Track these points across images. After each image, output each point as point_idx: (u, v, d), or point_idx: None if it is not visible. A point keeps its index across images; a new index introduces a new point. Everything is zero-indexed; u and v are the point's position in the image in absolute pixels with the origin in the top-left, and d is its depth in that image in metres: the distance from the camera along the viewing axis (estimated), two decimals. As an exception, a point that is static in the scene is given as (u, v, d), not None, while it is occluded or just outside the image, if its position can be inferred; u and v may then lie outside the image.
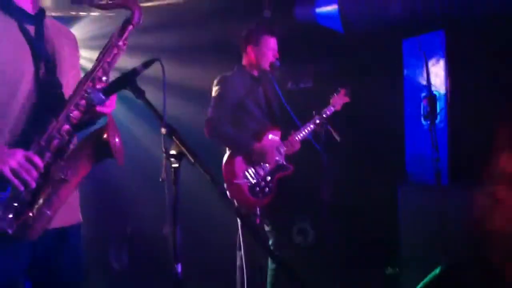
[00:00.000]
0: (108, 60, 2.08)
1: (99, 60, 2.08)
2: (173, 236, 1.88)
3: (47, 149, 1.98)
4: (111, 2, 2.08)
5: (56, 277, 2.17)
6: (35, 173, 1.93)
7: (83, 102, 2.03)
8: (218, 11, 5.03)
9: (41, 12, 2.18)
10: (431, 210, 3.87)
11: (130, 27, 2.10)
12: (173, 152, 1.89)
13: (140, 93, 1.94)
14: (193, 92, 4.50)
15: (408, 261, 4.05)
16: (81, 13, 4.82)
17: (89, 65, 2.24)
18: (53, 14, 4.17)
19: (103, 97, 1.97)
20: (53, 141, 1.99)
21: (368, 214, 4.61)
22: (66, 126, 2.01)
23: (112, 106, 2.11)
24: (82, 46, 2.46)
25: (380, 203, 4.53)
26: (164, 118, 1.89)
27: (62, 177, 1.97)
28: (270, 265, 3.84)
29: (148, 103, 1.93)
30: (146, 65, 1.96)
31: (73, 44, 2.35)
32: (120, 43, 2.09)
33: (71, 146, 2.03)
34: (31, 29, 2.12)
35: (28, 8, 2.13)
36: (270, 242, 3.88)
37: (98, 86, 2.03)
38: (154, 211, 4.68)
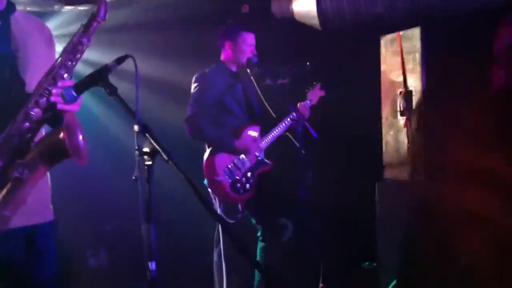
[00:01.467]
0: (71, 57, 2.04)
1: (61, 57, 2.04)
2: (147, 234, 1.87)
3: (6, 148, 1.96)
4: None
5: (27, 276, 2.14)
6: None
7: (43, 99, 1.99)
8: (197, 7, 5.00)
9: (9, 7, 2.14)
10: (407, 206, 3.91)
11: (95, 23, 2.07)
12: (146, 149, 1.88)
13: (112, 90, 1.92)
14: (173, 88, 4.47)
15: (384, 256, 4.09)
16: (56, 7, 4.76)
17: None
18: (28, 8, 4.10)
19: (74, 94, 1.95)
20: (12, 140, 1.97)
21: (346, 210, 4.64)
22: (26, 125, 1.98)
23: (74, 105, 2.05)
24: (58, 41, 2.40)
25: (358, 199, 4.55)
26: (137, 116, 1.87)
27: (18, 176, 1.94)
28: (257, 275, 3.85)
29: (120, 100, 1.91)
30: (119, 61, 1.95)
31: (48, 39, 2.31)
32: (85, 39, 2.06)
33: (32, 145, 2.00)
34: None
35: None
36: (258, 234, 3.91)
37: (59, 84, 1.99)
38: (132, 209, 4.65)
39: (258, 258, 3.92)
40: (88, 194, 4.87)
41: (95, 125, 4.55)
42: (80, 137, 2.03)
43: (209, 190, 3.74)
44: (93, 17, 2.06)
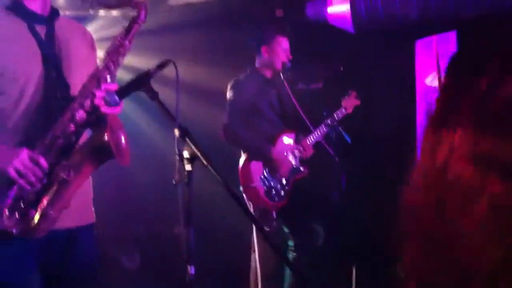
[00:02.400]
0: (114, 59, 2.07)
1: (104, 60, 2.08)
2: (186, 237, 1.89)
3: (52, 149, 1.99)
4: (118, 1, 2.09)
5: (68, 275, 2.20)
6: (39, 173, 1.94)
7: (88, 102, 2.02)
8: (231, 11, 5.02)
9: (53, 13, 2.20)
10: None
11: (136, 26, 2.10)
12: (186, 154, 1.89)
13: (154, 95, 1.95)
14: (208, 93, 4.49)
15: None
16: (92, 12, 4.85)
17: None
18: (67, 13, 4.17)
19: (117, 99, 1.98)
20: (58, 141, 2.00)
21: (379, 216, 4.58)
22: (71, 126, 2.01)
23: (117, 107, 2.08)
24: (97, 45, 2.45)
25: (392, 205, 4.50)
26: (177, 120, 1.89)
27: (65, 177, 1.98)
28: (287, 278, 3.83)
29: (161, 104, 1.94)
30: (160, 66, 1.97)
31: (90, 43, 2.37)
32: (126, 42, 2.09)
33: (76, 147, 2.04)
34: (41, 30, 2.14)
35: (40, 9, 2.14)
36: (291, 244, 3.89)
37: (103, 86, 2.03)
38: (167, 212, 4.69)
39: (289, 271, 3.89)
40: (123, 197, 4.93)
41: (131, 129, 4.61)
42: (123, 138, 2.06)
43: (244, 196, 3.74)
44: (133, 20, 2.09)
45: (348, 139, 3.83)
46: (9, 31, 2.08)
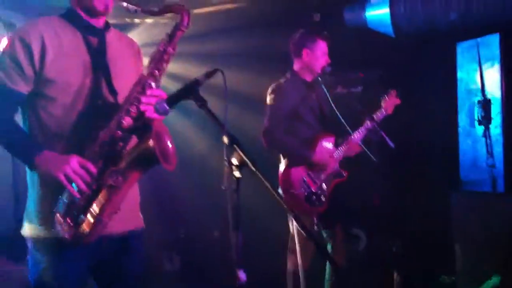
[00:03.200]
0: (158, 66, 2.11)
1: (149, 67, 2.12)
2: (235, 242, 1.92)
3: (100, 156, 2.04)
4: (161, 8, 2.12)
5: (119, 279, 2.26)
6: (88, 179, 1.99)
7: (134, 108, 2.06)
8: (268, 16, 5.05)
9: (106, 26, 2.28)
10: (487, 218, 3.79)
11: (180, 32, 2.13)
12: (234, 161, 1.92)
13: (202, 103, 1.99)
14: (246, 97, 4.53)
15: (464, 270, 3.96)
16: (136, 20, 4.96)
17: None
18: (110, 21, 4.27)
19: (167, 107, 2.02)
20: (106, 148, 2.04)
21: (421, 222, 4.54)
22: (118, 133, 2.06)
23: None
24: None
25: (434, 209, 4.45)
26: (225, 128, 1.93)
27: (113, 183, 2.01)
28: (327, 275, 3.84)
29: (210, 112, 1.97)
30: (208, 75, 2.01)
31: (137, 54, 2.43)
32: (170, 49, 2.12)
33: (124, 153, 2.06)
34: (94, 40, 2.21)
35: (96, 22, 2.23)
36: (329, 248, 3.89)
37: (148, 92, 2.06)
38: (208, 216, 4.77)
39: (327, 276, 3.89)
40: (164, 201, 5.01)
41: (174, 135, 4.69)
42: (169, 143, 2.09)
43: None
44: (177, 26, 2.13)
45: (391, 144, 3.79)
46: (63, 40, 2.15)
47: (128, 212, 2.19)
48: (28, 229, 2.16)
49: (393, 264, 4.05)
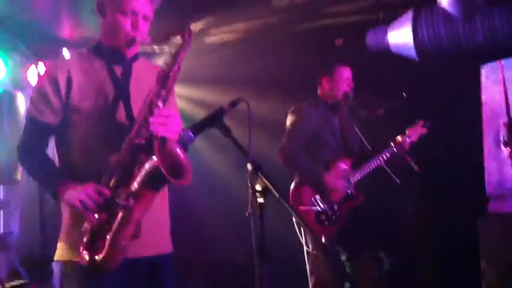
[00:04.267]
0: (164, 86, 2.14)
1: (155, 88, 2.14)
2: (259, 270, 1.94)
3: (114, 179, 2.08)
4: (165, 34, 2.18)
5: None
6: (101, 201, 2.03)
7: (143, 130, 2.09)
8: (291, 42, 5.11)
9: (136, 56, 2.36)
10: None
11: (183, 51, 2.16)
12: (258, 187, 1.96)
13: (227, 131, 2.03)
14: (270, 123, 4.56)
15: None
16: (157, 49, 5.07)
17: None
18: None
19: (192, 135, 2.07)
20: (119, 170, 2.08)
21: (446, 243, 4.49)
22: (130, 155, 2.08)
23: (170, 131, 2.08)
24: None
25: (459, 232, 4.40)
26: (250, 155, 1.97)
27: (125, 205, 2.03)
28: None
29: (234, 141, 2.02)
30: (233, 104, 2.06)
31: None
32: (175, 68, 2.16)
33: (135, 173, 2.07)
34: (119, 71, 2.30)
35: (126, 51, 2.29)
36: (347, 271, 3.87)
37: (155, 112, 2.07)
38: (232, 240, 4.79)
39: None
40: (190, 225, 5.06)
41: (197, 161, 4.75)
42: (180, 156, 2.05)
43: (293, 218, 3.68)
44: (179, 46, 2.17)
45: (416, 167, 3.78)
46: (89, 71, 2.25)
47: (158, 236, 2.24)
48: (57, 253, 2.23)
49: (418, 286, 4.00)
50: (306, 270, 3.87)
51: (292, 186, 3.85)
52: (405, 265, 4.24)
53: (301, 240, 3.74)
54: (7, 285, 4.60)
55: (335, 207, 3.78)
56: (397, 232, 4.03)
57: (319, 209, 3.72)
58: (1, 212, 5.22)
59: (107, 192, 2.05)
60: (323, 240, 3.71)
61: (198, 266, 5.27)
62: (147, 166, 2.03)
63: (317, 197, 3.76)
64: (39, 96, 2.23)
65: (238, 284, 4.60)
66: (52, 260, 2.28)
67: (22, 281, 4.71)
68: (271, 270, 2.04)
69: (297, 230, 3.76)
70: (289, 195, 3.81)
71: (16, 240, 5.26)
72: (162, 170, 1.96)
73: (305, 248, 3.77)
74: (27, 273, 4.82)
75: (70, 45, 5.17)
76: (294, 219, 3.68)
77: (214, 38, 5.33)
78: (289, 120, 3.93)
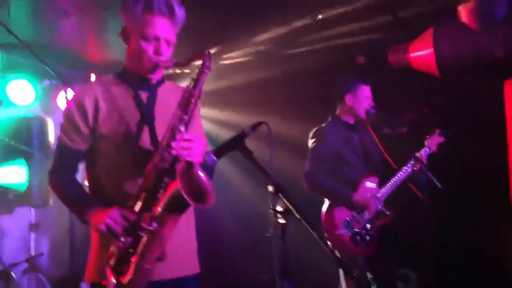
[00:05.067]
0: (185, 110, 2.17)
1: (177, 112, 2.18)
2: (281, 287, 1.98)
3: (138, 202, 2.12)
4: (186, 58, 2.22)
5: None
6: (126, 225, 2.08)
7: (166, 154, 2.12)
8: (312, 60, 5.16)
9: (160, 81, 2.42)
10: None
11: (203, 75, 2.20)
12: (280, 208, 2.00)
13: (248, 154, 2.08)
14: (291, 144, 4.60)
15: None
16: (183, 70, 5.18)
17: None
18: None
19: (215, 158, 2.13)
20: (144, 195, 2.12)
21: (475, 258, 4.44)
22: (155, 179, 2.12)
23: (194, 155, 2.11)
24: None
25: (487, 248, 4.36)
26: (271, 177, 2.01)
27: (148, 228, 2.06)
28: None
29: (256, 163, 2.06)
30: (254, 128, 2.11)
31: None
32: (196, 92, 2.19)
33: (159, 198, 2.10)
34: (144, 96, 2.35)
35: (152, 76, 2.34)
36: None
37: (178, 137, 2.10)
38: (257, 260, 4.82)
39: None
40: (214, 245, 5.10)
41: (222, 182, 4.81)
42: (200, 182, 2.07)
43: (329, 243, 3.72)
44: (200, 70, 2.21)
45: (438, 184, 3.77)
46: (116, 97, 2.32)
47: (183, 257, 2.28)
48: (86, 275, 2.30)
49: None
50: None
51: (324, 209, 3.87)
52: (434, 283, 4.20)
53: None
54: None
55: (368, 226, 3.78)
56: (424, 250, 3.99)
57: (354, 230, 3.73)
58: (33, 234, 5.35)
59: (132, 216, 2.10)
60: (359, 260, 3.72)
61: (221, 287, 5.29)
62: (170, 191, 2.07)
63: (350, 219, 3.77)
64: (68, 123, 2.31)
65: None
66: (81, 281, 2.35)
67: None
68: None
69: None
70: (311, 215, 3.81)
71: (46, 262, 5.38)
72: (183, 194, 1.98)
73: (340, 270, 3.77)
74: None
75: (98, 70, 5.32)
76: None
77: (231, 60, 5.41)
78: (310, 143, 3.96)
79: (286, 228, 1.99)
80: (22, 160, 4.97)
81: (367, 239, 3.77)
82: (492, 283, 4.30)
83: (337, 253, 3.72)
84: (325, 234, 3.78)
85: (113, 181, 2.25)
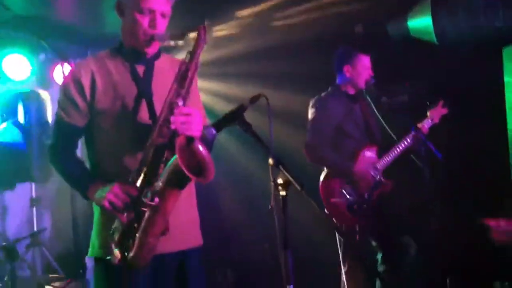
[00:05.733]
0: (182, 84, 2.16)
1: (173, 87, 2.17)
2: (284, 259, 2.00)
3: (139, 178, 2.13)
4: (183, 31, 2.20)
5: None
6: (128, 200, 2.09)
7: (165, 129, 2.12)
8: (310, 30, 5.11)
9: (158, 54, 2.40)
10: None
11: (199, 49, 2.18)
12: (280, 181, 2.01)
13: (247, 128, 2.08)
14: (290, 115, 4.59)
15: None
16: (180, 43, 5.12)
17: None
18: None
19: (214, 131, 2.13)
20: (144, 170, 2.12)
21: (473, 228, 4.47)
22: (154, 154, 2.12)
23: (192, 129, 2.10)
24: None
25: (487, 217, 4.38)
26: (271, 150, 2.02)
27: (149, 203, 2.07)
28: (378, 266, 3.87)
29: (255, 136, 2.07)
30: (253, 100, 2.11)
31: None
32: (192, 65, 2.18)
33: (159, 173, 2.11)
34: (141, 70, 2.34)
35: (148, 50, 2.33)
36: (378, 257, 3.90)
37: (176, 111, 2.10)
38: (258, 231, 4.86)
39: (379, 284, 3.90)
40: (215, 218, 5.14)
41: (222, 157, 4.81)
42: (200, 156, 2.06)
43: (326, 211, 3.76)
44: (196, 43, 2.18)
45: (438, 154, 3.77)
46: (112, 72, 2.31)
47: (185, 231, 2.30)
48: (90, 250, 2.32)
49: (444, 271, 4.01)
50: (329, 258, 3.93)
51: (321, 178, 3.88)
52: (432, 249, 4.24)
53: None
54: (44, 279, 4.76)
55: (366, 195, 3.80)
56: (422, 217, 4.02)
57: (350, 199, 3.75)
58: (34, 210, 5.39)
59: (133, 191, 2.11)
60: (356, 229, 3.75)
61: (225, 259, 5.34)
62: (170, 166, 2.07)
63: (347, 187, 3.79)
64: (65, 99, 2.30)
65: (265, 274, 4.67)
66: (85, 255, 2.38)
67: (57, 275, 4.88)
68: (295, 259, 2.09)
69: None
70: (313, 186, 3.84)
71: (49, 237, 5.43)
72: (183, 168, 1.99)
73: (337, 236, 3.81)
74: (61, 268, 4.98)
75: (94, 44, 5.28)
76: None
77: (225, 32, 5.36)
78: (310, 113, 3.93)
79: (286, 200, 2.01)
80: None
81: (364, 207, 3.79)
82: (492, 250, 4.34)
83: (334, 220, 3.73)
84: (323, 203, 3.79)
85: (112, 157, 2.25)
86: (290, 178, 1.99)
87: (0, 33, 5.05)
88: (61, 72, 5.20)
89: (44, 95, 5.30)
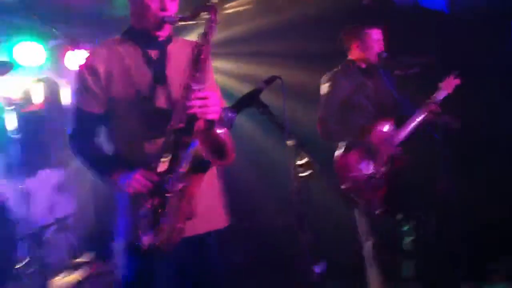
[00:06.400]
0: (197, 67, 2.17)
1: (188, 71, 2.18)
2: (304, 239, 2.04)
3: (160, 163, 2.15)
4: (192, 12, 2.21)
5: (201, 279, 2.39)
6: (151, 187, 2.12)
7: (183, 116, 2.13)
8: (318, 6, 5.07)
9: (170, 38, 2.40)
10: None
11: (211, 29, 2.19)
12: (299, 162, 2.04)
13: (264, 109, 2.11)
14: (309, 93, 4.59)
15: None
16: (192, 23, 5.11)
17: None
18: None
19: (230, 114, 2.15)
20: (166, 156, 2.14)
21: (487, 207, 4.46)
22: (175, 140, 2.14)
23: (210, 113, 2.12)
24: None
25: (500, 192, 4.38)
26: (289, 132, 2.04)
27: (173, 189, 2.11)
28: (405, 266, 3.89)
29: (272, 118, 2.09)
30: (268, 82, 2.12)
31: None
32: (205, 47, 2.18)
33: (181, 158, 2.12)
34: (154, 54, 2.35)
35: (159, 33, 2.33)
36: (406, 228, 3.92)
37: (192, 96, 2.11)
38: (277, 213, 4.92)
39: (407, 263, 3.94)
40: (236, 198, 5.19)
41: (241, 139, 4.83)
42: (219, 139, 2.07)
43: (343, 187, 3.73)
44: (208, 24, 2.20)
45: (455, 124, 3.77)
46: (125, 58, 2.32)
47: (211, 214, 2.32)
48: (118, 237, 2.35)
49: (458, 246, 4.03)
50: (347, 236, 3.95)
51: (337, 154, 3.84)
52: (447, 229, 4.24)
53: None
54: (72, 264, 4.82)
55: (382, 169, 3.80)
56: (438, 192, 4.02)
57: (369, 173, 3.75)
58: (56, 195, 5.45)
59: (155, 177, 2.13)
60: (374, 203, 3.76)
61: (247, 237, 5.39)
62: (191, 149, 2.09)
63: (365, 161, 3.78)
64: (82, 88, 2.31)
65: (287, 250, 4.72)
66: (111, 239, 2.42)
67: (84, 260, 4.95)
68: (315, 237, 2.13)
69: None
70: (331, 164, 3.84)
71: (72, 222, 5.50)
72: (204, 152, 2.01)
73: (356, 212, 3.84)
74: (87, 252, 5.05)
75: (102, 29, 5.27)
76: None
77: (235, 9, 5.32)
78: (322, 89, 3.91)
79: (306, 181, 2.03)
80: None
81: (382, 182, 3.78)
82: (507, 225, 4.34)
83: (351, 195, 3.74)
84: (339, 178, 3.79)
85: (133, 144, 2.27)
86: (309, 158, 2.01)
87: (8, 21, 5.05)
88: (72, 57, 5.22)
89: (57, 81, 5.32)
